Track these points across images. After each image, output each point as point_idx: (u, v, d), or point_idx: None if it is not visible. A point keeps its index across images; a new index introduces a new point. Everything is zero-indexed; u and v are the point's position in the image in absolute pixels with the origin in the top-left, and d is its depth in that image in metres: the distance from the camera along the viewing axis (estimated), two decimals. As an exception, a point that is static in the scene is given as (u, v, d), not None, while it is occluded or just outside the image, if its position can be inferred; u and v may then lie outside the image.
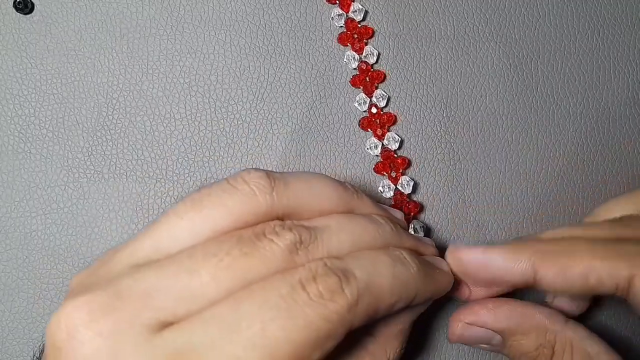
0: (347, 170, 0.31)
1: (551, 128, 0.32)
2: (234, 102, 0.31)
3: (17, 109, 0.30)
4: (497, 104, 0.32)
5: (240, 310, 0.19)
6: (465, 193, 0.31)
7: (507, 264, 0.24)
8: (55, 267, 0.30)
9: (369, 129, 0.31)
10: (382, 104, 0.31)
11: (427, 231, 0.31)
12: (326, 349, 0.20)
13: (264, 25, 0.31)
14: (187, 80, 0.31)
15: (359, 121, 0.31)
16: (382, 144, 0.31)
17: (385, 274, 0.22)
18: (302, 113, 0.31)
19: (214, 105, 0.31)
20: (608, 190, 0.32)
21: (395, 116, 0.31)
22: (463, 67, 0.32)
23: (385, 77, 0.31)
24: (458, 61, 0.32)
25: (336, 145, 0.31)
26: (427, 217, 0.31)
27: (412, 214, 0.30)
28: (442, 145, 0.31)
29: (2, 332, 0.30)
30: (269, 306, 0.19)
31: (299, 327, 0.19)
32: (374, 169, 0.31)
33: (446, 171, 0.31)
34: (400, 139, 0.31)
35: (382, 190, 0.31)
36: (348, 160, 0.31)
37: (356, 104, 0.31)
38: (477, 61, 0.32)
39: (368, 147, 0.31)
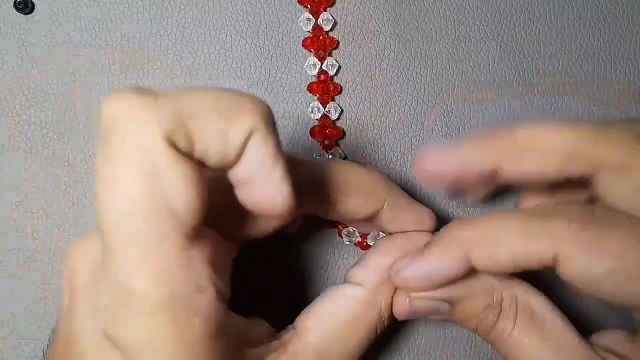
0: (348, 170, 0.31)
1: (551, 128, 0.32)
2: (234, 102, 0.31)
3: (17, 109, 0.30)
4: (498, 104, 0.32)
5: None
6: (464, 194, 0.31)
7: (444, 266, 0.24)
8: (56, 267, 0.30)
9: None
10: (334, 116, 0.31)
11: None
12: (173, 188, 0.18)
13: (264, 25, 0.31)
14: (187, 80, 0.31)
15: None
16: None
17: (208, 92, 0.19)
18: (303, 113, 0.31)
19: (214, 105, 0.31)
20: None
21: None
22: (463, 66, 0.32)
23: (341, 89, 0.31)
24: (459, 61, 0.32)
25: (337, 145, 0.31)
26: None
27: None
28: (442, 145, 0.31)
29: (3, 332, 0.30)
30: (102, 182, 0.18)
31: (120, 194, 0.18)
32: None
33: (446, 171, 0.31)
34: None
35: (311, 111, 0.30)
36: (348, 160, 0.31)
37: (309, 111, 0.31)
38: (478, 61, 0.32)
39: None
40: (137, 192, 0.17)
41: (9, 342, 0.30)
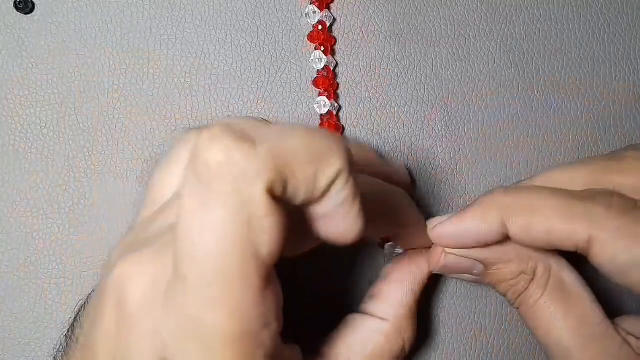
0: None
1: (552, 128, 0.32)
2: (234, 102, 0.31)
3: (17, 109, 0.30)
4: (498, 104, 0.32)
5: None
6: (465, 193, 0.31)
7: (479, 227, 0.25)
8: (56, 267, 0.30)
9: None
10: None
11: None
12: (265, 235, 0.18)
13: (264, 25, 0.31)
14: (187, 80, 0.31)
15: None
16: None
17: (299, 137, 0.19)
18: (303, 113, 0.31)
19: (214, 105, 0.31)
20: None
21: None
22: (463, 66, 0.32)
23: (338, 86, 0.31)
24: (459, 61, 0.32)
25: (337, 145, 0.31)
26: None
27: None
28: (442, 145, 0.31)
29: (3, 332, 0.30)
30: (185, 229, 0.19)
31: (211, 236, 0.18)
32: None
33: (446, 170, 0.31)
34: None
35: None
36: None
37: (315, 106, 0.31)
38: (478, 61, 0.32)
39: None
40: (230, 237, 0.18)
41: (8, 342, 0.30)
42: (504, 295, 0.27)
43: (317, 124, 0.31)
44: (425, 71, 0.32)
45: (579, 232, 0.23)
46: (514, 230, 0.24)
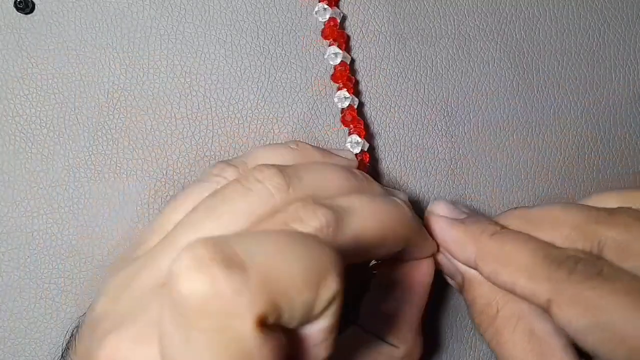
0: (348, 170, 0.31)
1: (552, 127, 0.32)
2: (234, 102, 0.31)
3: (17, 109, 0.30)
4: (498, 104, 0.32)
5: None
6: (465, 193, 0.31)
7: (457, 247, 0.26)
8: (56, 267, 0.30)
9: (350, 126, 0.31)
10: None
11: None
12: (316, 282, 0.17)
13: (264, 25, 0.31)
14: (187, 80, 0.31)
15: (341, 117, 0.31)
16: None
17: (373, 206, 0.22)
18: (303, 112, 0.31)
19: (214, 105, 0.31)
20: (609, 189, 0.32)
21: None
22: (463, 66, 0.32)
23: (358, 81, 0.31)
24: (459, 61, 0.32)
25: (338, 145, 0.31)
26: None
27: None
28: (443, 145, 0.31)
29: (3, 332, 0.30)
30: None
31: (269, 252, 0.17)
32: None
33: (447, 170, 0.31)
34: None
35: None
36: (349, 160, 0.31)
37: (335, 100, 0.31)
38: (478, 61, 0.32)
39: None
40: None
41: (9, 342, 0.30)
42: (477, 324, 0.27)
43: (339, 118, 0.31)
44: (425, 71, 0.32)
45: (539, 293, 0.24)
46: (483, 273, 0.26)
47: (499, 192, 0.31)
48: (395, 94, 0.31)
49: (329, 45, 0.30)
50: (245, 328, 0.16)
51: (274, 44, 0.31)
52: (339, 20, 0.31)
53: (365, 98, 0.31)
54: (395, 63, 0.31)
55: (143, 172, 0.30)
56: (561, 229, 0.25)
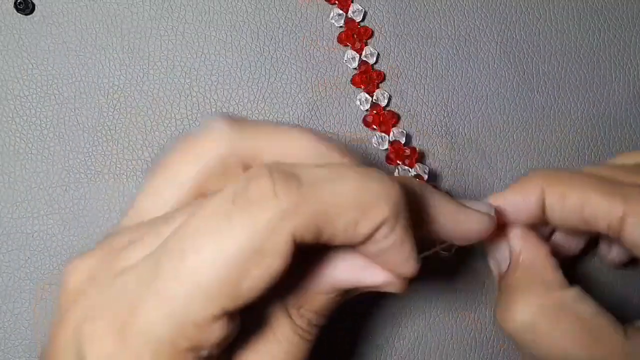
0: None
1: (552, 127, 0.32)
2: (234, 102, 0.31)
3: (17, 109, 0.30)
4: (498, 104, 0.32)
5: (166, 241, 0.19)
6: (466, 193, 0.31)
7: (519, 199, 0.25)
8: (56, 267, 0.30)
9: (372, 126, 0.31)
10: (384, 103, 0.31)
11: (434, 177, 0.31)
12: (262, 272, 0.18)
13: (264, 25, 0.31)
14: (187, 80, 0.31)
15: (362, 118, 0.31)
16: (389, 139, 0.31)
17: (347, 182, 0.18)
18: (302, 113, 0.31)
19: (214, 105, 0.31)
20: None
21: (398, 114, 0.31)
22: (464, 67, 0.32)
23: (385, 77, 0.31)
24: (459, 61, 0.32)
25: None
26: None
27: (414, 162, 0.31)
28: (443, 145, 0.32)
29: (3, 332, 0.30)
30: (193, 229, 0.18)
31: (217, 243, 0.17)
32: None
33: (447, 170, 0.31)
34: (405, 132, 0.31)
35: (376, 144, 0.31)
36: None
37: (358, 103, 0.31)
38: (478, 61, 0.32)
39: (375, 143, 0.31)
40: (231, 261, 0.17)
41: (9, 342, 0.30)
42: (509, 317, 0.26)
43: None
44: (425, 71, 0.32)
45: (613, 208, 0.23)
46: (550, 199, 0.24)
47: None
48: (395, 94, 0.31)
49: (349, 49, 0.31)
50: (282, 232, 0.17)
51: (274, 44, 0.31)
52: (357, 20, 0.31)
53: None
54: (395, 62, 0.31)
55: (143, 172, 0.30)
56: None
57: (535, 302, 0.25)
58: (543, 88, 0.32)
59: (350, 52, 0.31)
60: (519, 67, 0.32)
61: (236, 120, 0.21)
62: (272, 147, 0.21)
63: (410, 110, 0.31)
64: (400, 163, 0.30)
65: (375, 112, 0.31)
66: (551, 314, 0.24)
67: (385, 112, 0.31)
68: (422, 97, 0.31)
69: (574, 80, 0.32)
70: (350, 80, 0.31)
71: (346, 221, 0.18)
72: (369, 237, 0.19)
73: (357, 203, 0.18)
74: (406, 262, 0.20)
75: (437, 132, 0.31)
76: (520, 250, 0.26)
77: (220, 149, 0.21)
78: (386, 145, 0.31)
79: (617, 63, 0.32)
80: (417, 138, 0.31)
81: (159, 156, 0.22)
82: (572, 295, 0.25)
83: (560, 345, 0.24)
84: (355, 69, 0.31)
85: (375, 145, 0.31)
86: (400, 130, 0.31)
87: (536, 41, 0.32)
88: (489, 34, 0.32)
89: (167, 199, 0.22)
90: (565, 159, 0.32)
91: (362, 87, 0.31)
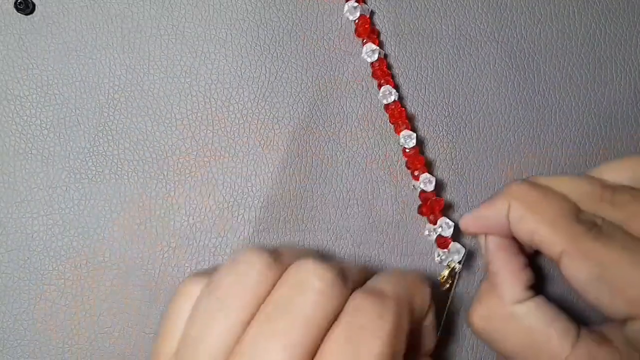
0: (350, 170, 0.31)
1: (553, 127, 0.32)
2: (235, 102, 0.31)
3: (17, 110, 0.30)
4: (499, 104, 0.32)
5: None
6: (466, 193, 0.31)
7: (493, 213, 0.28)
8: (56, 268, 0.30)
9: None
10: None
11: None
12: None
13: (264, 24, 0.31)
14: (187, 80, 0.31)
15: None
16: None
17: (408, 281, 0.25)
18: (304, 112, 0.31)
19: (214, 105, 0.31)
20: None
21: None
22: (465, 66, 0.32)
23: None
24: (459, 61, 0.32)
25: (338, 145, 0.31)
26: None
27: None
28: (443, 145, 0.31)
29: (3, 333, 0.30)
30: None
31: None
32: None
33: (447, 170, 0.31)
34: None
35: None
36: (350, 159, 0.31)
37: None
38: (479, 61, 0.32)
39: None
40: None
41: (8, 343, 0.30)
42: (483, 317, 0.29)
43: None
44: (425, 71, 0.32)
45: (554, 245, 0.25)
46: (512, 215, 0.27)
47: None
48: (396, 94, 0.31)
49: (365, 44, 0.31)
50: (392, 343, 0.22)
51: (274, 44, 0.31)
52: (368, 17, 0.31)
53: (366, 98, 0.31)
54: (395, 63, 0.31)
55: (143, 172, 0.30)
56: (581, 197, 0.27)
57: (486, 312, 0.28)
58: (543, 88, 0.32)
59: (370, 46, 0.30)
60: (519, 67, 0.32)
61: (269, 255, 0.23)
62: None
63: (410, 110, 0.31)
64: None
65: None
66: (499, 324, 0.27)
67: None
68: (422, 97, 0.31)
69: (574, 80, 0.32)
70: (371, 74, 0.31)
71: (417, 301, 0.25)
72: (425, 315, 0.26)
73: (417, 286, 0.25)
74: (434, 339, 0.27)
75: (437, 133, 0.31)
76: (490, 260, 0.28)
77: (263, 280, 0.23)
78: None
79: (617, 63, 0.32)
80: (417, 138, 0.31)
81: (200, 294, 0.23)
82: (524, 309, 0.27)
83: (508, 351, 0.27)
84: (375, 61, 0.31)
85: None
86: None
87: (536, 41, 0.32)
88: (489, 34, 0.32)
89: (219, 335, 0.23)
90: (566, 159, 0.32)
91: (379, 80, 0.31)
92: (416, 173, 0.30)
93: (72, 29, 0.30)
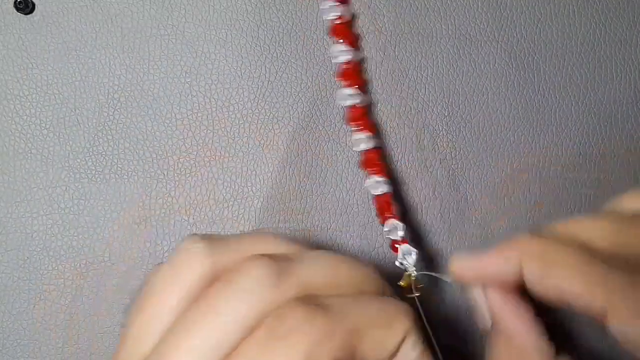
0: (350, 170, 0.31)
1: (553, 127, 0.32)
2: (234, 102, 0.31)
3: (17, 109, 0.30)
4: (499, 104, 0.32)
5: None
6: (466, 192, 0.31)
7: (499, 266, 0.24)
8: (56, 267, 0.30)
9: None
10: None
11: (418, 239, 0.31)
12: None
13: (264, 24, 0.31)
14: (187, 80, 0.31)
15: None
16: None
17: (371, 303, 0.21)
18: (303, 112, 0.31)
19: (214, 105, 0.31)
20: (610, 189, 0.32)
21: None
22: (465, 66, 0.32)
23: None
24: (459, 61, 0.32)
25: (338, 144, 0.31)
26: (426, 219, 0.31)
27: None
28: (443, 145, 0.32)
29: (3, 333, 0.30)
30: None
31: None
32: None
33: (447, 170, 0.31)
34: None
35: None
36: (351, 159, 0.31)
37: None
38: (479, 61, 0.32)
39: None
40: None
41: (8, 342, 0.30)
42: None
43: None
44: (425, 71, 0.32)
45: (594, 302, 0.22)
46: (529, 275, 0.23)
47: (499, 192, 0.31)
48: (395, 93, 0.31)
49: (336, 43, 0.30)
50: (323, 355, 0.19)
51: (274, 44, 0.31)
52: (348, 18, 0.31)
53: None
54: (395, 63, 0.31)
55: (143, 172, 0.30)
56: (598, 239, 0.24)
57: None
58: (543, 88, 0.32)
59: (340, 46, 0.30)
60: (519, 67, 0.32)
61: (209, 239, 0.21)
62: (243, 254, 0.21)
63: (410, 110, 0.31)
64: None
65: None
66: None
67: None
68: (422, 97, 0.31)
69: (574, 80, 0.32)
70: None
71: (375, 337, 0.20)
72: (396, 351, 0.20)
73: (382, 318, 0.20)
74: None
75: (437, 133, 0.31)
76: (500, 317, 0.25)
77: (198, 271, 0.21)
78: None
79: (617, 63, 0.32)
80: (417, 138, 0.31)
81: (141, 290, 0.21)
82: None
83: None
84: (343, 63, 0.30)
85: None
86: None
87: (537, 41, 0.32)
88: (489, 34, 0.32)
89: (155, 335, 0.21)
90: (566, 159, 0.32)
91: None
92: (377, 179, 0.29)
93: (72, 29, 0.30)
